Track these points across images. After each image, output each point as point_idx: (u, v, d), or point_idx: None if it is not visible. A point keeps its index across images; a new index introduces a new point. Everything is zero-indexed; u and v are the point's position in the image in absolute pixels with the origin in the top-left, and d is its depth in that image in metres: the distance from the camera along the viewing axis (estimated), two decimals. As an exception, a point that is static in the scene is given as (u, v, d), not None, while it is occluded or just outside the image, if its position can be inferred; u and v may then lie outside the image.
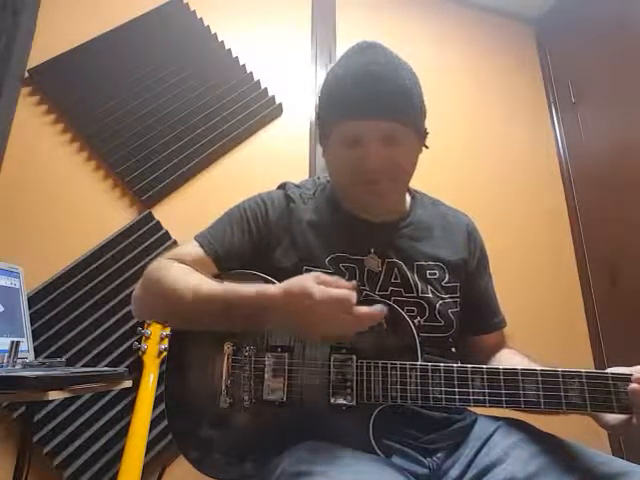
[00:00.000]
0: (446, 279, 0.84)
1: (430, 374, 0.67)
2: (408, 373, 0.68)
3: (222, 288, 0.71)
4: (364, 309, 0.62)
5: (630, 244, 1.91)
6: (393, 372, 0.69)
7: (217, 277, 0.83)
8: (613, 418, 0.66)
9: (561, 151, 2.33)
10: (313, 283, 0.63)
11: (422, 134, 0.82)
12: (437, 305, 0.81)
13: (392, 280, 0.81)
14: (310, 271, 0.78)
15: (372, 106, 0.74)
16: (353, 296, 0.62)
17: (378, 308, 0.63)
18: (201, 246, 0.83)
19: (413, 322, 0.73)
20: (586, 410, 0.61)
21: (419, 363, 0.69)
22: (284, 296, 0.65)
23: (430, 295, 0.81)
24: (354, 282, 0.65)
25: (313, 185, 0.92)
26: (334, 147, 0.81)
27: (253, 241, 0.84)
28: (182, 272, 0.77)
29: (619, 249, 1.98)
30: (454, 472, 0.72)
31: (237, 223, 0.85)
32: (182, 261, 0.81)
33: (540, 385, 0.63)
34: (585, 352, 2.04)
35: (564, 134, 2.34)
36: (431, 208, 0.93)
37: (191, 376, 0.79)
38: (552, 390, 0.63)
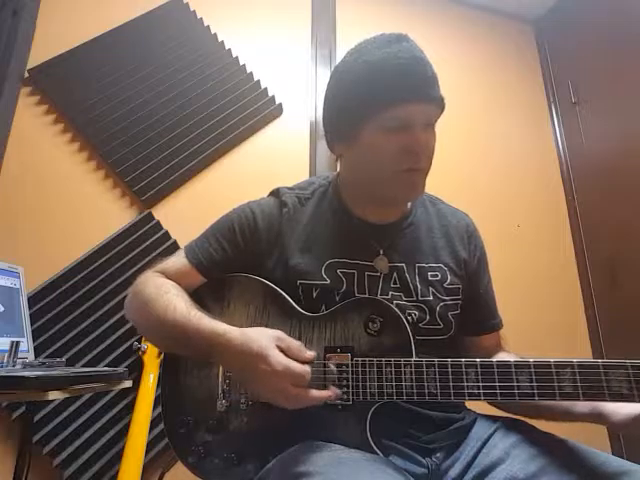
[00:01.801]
0: (448, 280, 0.83)
1: (425, 369, 0.67)
2: (403, 369, 0.68)
3: (185, 317, 0.71)
4: (316, 393, 0.64)
5: (630, 244, 1.91)
6: (388, 369, 0.68)
7: (212, 279, 0.83)
8: (622, 417, 0.66)
9: (561, 151, 2.33)
10: (273, 346, 0.64)
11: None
12: (437, 308, 0.80)
13: (392, 284, 0.80)
14: (303, 285, 0.78)
15: (423, 89, 0.74)
16: (308, 373, 0.63)
17: (332, 393, 0.66)
18: (187, 257, 0.83)
19: (407, 319, 0.73)
20: (578, 398, 0.61)
21: (413, 359, 0.69)
22: (239, 346, 0.65)
23: (431, 298, 0.80)
24: (314, 354, 0.67)
25: (310, 185, 0.90)
26: (374, 136, 0.76)
27: (241, 252, 0.83)
28: (156, 291, 0.77)
29: (619, 249, 1.98)
30: (453, 472, 0.72)
31: (224, 235, 0.84)
32: (168, 274, 0.82)
33: (533, 377, 0.63)
34: (585, 352, 2.03)
35: (564, 134, 2.34)
36: (430, 207, 0.92)
37: (187, 380, 0.79)
38: (545, 381, 0.63)
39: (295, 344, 0.67)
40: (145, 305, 0.76)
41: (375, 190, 0.82)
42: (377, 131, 0.75)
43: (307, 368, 0.63)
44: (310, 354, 0.67)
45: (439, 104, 0.77)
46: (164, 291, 0.77)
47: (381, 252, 0.82)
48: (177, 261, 0.84)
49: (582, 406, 0.69)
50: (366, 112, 0.75)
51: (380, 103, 0.74)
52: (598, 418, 0.68)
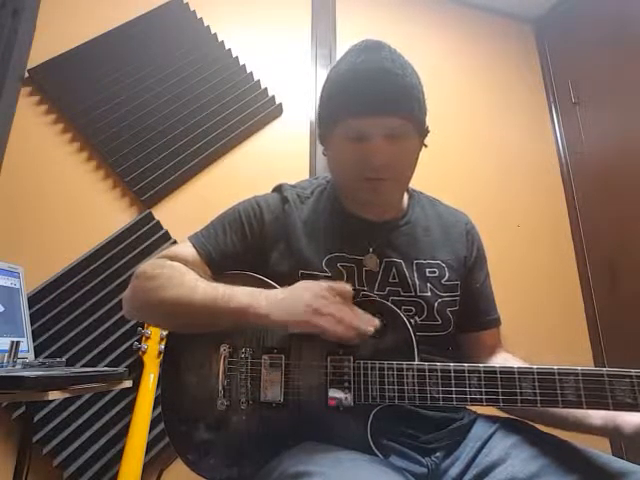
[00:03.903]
0: (446, 277, 0.84)
1: (427, 374, 0.67)
2: (405, 373, 0.68)
3: (218, 285, 0.73)
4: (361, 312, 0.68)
5: (630, 244, 1.91)
6: (390, 372, 0.68)
7: (217, 275, 0.83)
8: (632, 428, 0.66)
9: (561, 151, 2.33)
10: (312, 282, 0.68)
11: (424, 132, 0.82)
12: (435, 304, 0.81)
13: (390, 280, 0.81)
14: (305, 275, 0.78)
15: (379, 103, 0.74)
16: (350, 288, 0.67)
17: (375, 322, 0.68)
18: (194, 247, 0.83)
19: (410, 322, 0.73)
20: (582, 407, 0.61)
21: (416, 363, 0.69)
22: (281, 291, 0.71)
23: (429, 294, 0.81)
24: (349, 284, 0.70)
25: (310, 185, 0.91)
26: (338, 143, 0.79)
27: (247, 245, 0.83)
28: (178, 270, 0.76)
29: (619, 249, 1.98)
30: (454, 471, 0.72)
31: (231, 226, 0.84)
32: (176, 260, 0.81)
33: (536, 383, 0.63)
34: (585, 352, 2.03)
35: (564, 134, 2.34)
36: (429, 207, 0.93)
37: (188, 378, 0.79)
38: (548, 388, 0.63)
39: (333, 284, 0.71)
40: (167, 282, 0.74)
41: (344, 191, 0.86)
42: (341, 139, 0.78)
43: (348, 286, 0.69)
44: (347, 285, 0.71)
45: (402, 116, 0.75)
46: (185, 269, 0.77)
47: (370, 250, 0.82)
48: (185, 251, 0.83)
49: (596, 418, 0.69)
50: (332, 120, 0.79)
51: (340, 114, 0.77)
52: (614, 431, 0.68)
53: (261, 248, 0.83)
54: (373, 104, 0.74)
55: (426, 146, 0.84)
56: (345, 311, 0.67)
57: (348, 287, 0.68)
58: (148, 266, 0.80)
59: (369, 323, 0.67)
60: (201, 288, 0.72)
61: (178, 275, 0.75)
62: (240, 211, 0.86)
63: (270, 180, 0.97)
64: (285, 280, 0.78)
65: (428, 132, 0.82)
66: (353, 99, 0.75)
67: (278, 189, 0.91)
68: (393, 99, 0.74)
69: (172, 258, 0.81)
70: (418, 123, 0.78)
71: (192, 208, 1.68)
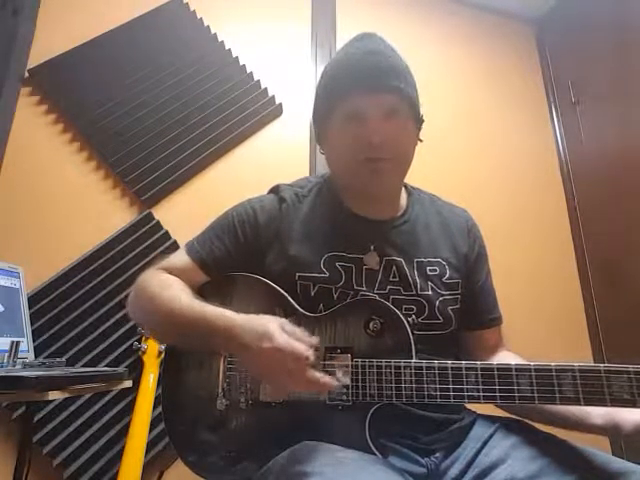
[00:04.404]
0: (447, 275, 0.83)
1: (424, 372, 0.67)
2: (403, 371, 0.68)
3: (190, 305, 0.73)
4: (317, 374, 0.61)
5: (630, 244, 1.91)
6: (388, 371, 0.68)
7: (215, 279, 0.83)
8: (631, 426, 0.66)
9: (561, 151, 2.33)
10: (279, 328, 0.63)
11: (419, 120, 0.83)
12: (436, 302, 0.80)
13: (391, 279, 0.80)
14: (302, 277, 0.78)
15: (374, 79, 0.76)
16: (311, 354, 0.61)
17: (335, 383, 0.63)
18: (188, 254, 0.84)
19: (408, 320, 0.73)
20: (579, 403, 0.61)
21: (413, 361, 0.69)
22: (244, 327, 0.65)
23: (430, 292, 0.81)
24: (317, 339, 0.64)
25: (308, 183, 0.91)
26: (337, 127, 0.80)
27: (242, 248, 0.83)
28: (159, 286, 0.78)
29: (619, 249, 1.98)
30: (453, 472, 0.72)
31: (225, 230, 0.85)
32: (171, 270, 0.82)
33: (534, 380, 0.63)
34: (585, 352, 2.03)
35: (564, 134, 2.34)
36: (429, 204, 0.93)
37: (188, 379, 0.79)
38: (546, 385, 0.63)
39: (299, 330, 0.64)
40: (151, 299, 0.76)
41: (346, 181, 0.86)
42: (337, 124, 0.80)
43: (310, 350, 0.61)
44: (314, 338, 0.64)
45: (396, 93, 0.77)
46: (168, 285, 0.78)
47: (372, 248, 0.82)
48: (179, 258, 0.84)
49: (595, 417, 0.69)
50: (328, 108, 0.81)
51: (336, 98, 0.79)
52: (613, 429, 0.68)
53: (257, 250, 0.83)
54: (368, 81, 0.76)
55: (421, 141, 0.85)
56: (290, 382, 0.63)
57: (304, 352, 0.60)
58: (145, 277, 0.82)
59: (326, 385, 0.62)
60: (179, 300, 0.74)
61: (163, 290, 0.77)
62: (233, 216, 0.86)
63: (270, 180, 0.97)
64: (280, 283, 0.79)
65: (423, 121, 0.84)
66: (349, 79, 0.78)
67: (275, 190, 0.91)
68: (387, 76, 0.77)
69: (167, 269, 0.83)
70: (413, 105, 0.80)
71: (192, 208, 1.68)
